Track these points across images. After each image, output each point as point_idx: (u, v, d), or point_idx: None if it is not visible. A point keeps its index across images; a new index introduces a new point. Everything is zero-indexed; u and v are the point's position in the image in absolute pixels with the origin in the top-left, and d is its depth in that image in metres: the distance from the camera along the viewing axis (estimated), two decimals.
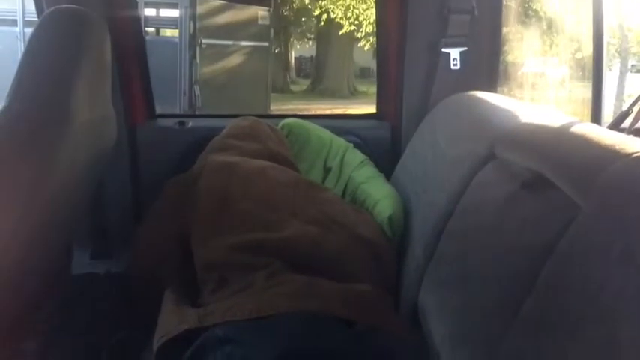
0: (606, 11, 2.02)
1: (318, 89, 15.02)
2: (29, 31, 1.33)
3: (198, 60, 7.60)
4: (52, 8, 1.32)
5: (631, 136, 0.96)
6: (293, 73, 18.01)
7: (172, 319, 1.27)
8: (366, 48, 14.21)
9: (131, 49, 1.98)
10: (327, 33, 14.84)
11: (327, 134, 1.95)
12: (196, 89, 7.46)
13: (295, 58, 18.76)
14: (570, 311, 0.79)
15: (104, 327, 1.59)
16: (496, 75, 2.04)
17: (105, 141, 1.59)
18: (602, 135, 0.99)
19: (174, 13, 7.81)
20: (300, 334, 1.18)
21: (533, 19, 10.20)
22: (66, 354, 1.50)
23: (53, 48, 1.27)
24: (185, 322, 1.23)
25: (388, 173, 1.90)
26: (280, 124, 1.94)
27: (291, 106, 11.88)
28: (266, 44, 9.13)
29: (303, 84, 16.60)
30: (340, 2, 13.47)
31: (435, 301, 1.29)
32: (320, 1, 13.96)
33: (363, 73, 16.94)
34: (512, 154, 1.20)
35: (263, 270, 1.36)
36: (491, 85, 1.96)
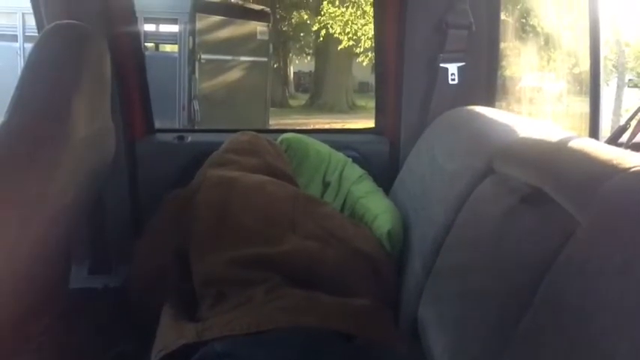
0: (603, 26, 2.03)
1: (316, 104, 15.05)
2: (29, 46, 1.33)
3: (197, 75, 7.61)
4: (52, 24, 1.33)
5: (629, 151, 0.97)
6: (292, 88, 18.07)
7: (171, 333, 1.27)
8: (364, 63, 14.27)
9: (130, 64, 1.98)
10: (325, 48, 14.92)
11: (325, 149, 1.95)
12: (195, 104, 7.47)
13: (294, 73, 18.84)
14: (569, 326, 0.79)
15: (102, 342, 1.58)
16: (494, 90, 2.04)
17: (104, 156, 1.60)
18: (600, 149, 0.99)
19: (173, 28, 7.84)
20: (300, 349, 1.18)
21: (531, 35, 10.27)
22: None
23: (53, 63, 1.28)
24: (183, 337, 1.23)
25: (386, 188, 1.90)
26: (279, 139, 1.94)
27: (289, 121, 11.91)
28: (265, 59, 9.16)
29: (302, 99, 16.65)
30: (339, 18, 13.56)
31: (435, 315, 1.29)
32: (319, 17, 14.05)
33: (362, 88, 16.98)
34: (510, 169, 1.20)
35: (262, 285, 1.36)
36: (489, 100, 1.97)
